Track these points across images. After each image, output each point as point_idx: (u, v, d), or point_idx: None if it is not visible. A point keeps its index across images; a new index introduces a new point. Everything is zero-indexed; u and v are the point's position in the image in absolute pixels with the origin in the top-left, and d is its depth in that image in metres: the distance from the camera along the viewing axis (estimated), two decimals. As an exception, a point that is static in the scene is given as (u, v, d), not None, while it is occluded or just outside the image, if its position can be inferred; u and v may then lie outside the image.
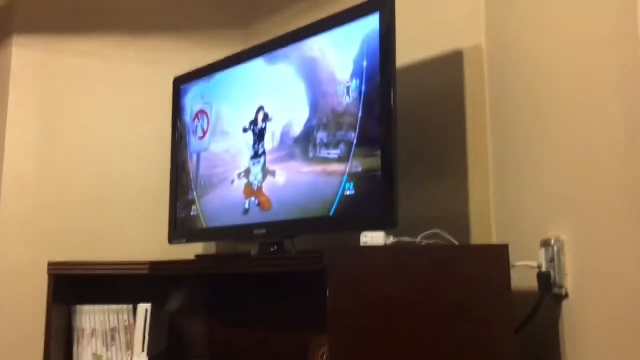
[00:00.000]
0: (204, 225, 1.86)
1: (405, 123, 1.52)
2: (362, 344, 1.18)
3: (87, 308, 1.87)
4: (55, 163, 2.08)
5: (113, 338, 1.87)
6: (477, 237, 1.55)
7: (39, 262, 1.87)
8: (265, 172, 1.69)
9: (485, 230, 1.54)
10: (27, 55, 2.10)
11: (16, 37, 2.10)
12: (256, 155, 1.72)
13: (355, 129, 1.49)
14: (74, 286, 1.86)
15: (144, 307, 1.86)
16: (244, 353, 1.88)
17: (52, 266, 1.81)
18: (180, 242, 1.94)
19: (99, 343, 1.87)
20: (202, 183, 1.89)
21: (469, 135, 1.59)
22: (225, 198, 1.80)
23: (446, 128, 1.64)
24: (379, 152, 1.42)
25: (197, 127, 1.95)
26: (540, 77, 1.36)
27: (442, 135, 1.65)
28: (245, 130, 1.77)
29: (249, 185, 1.74)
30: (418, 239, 1.36)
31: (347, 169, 1.48)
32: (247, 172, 1.75)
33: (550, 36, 1.34)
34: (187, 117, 1.98)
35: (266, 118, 1.71)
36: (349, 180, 1.48)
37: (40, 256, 1.90)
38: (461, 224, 1.57)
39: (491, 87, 1.56)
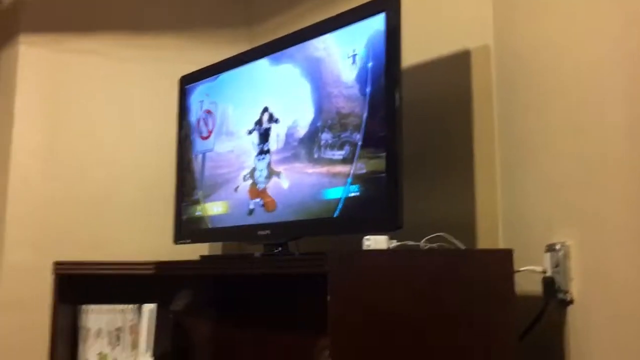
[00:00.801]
0: (209, 226, 1.86)
1: (411, 124, 1.51)
2: (363, 347, 1.17)
3: (92, 307, 1.88)
4: (60, 163, 2.09)
5: (118, 337, 1.88)
6: (483, 241, 1.53)
7: (44, 262, 1.87)
8: (271, 171, 1.68)
9: (491, 234, 1.52)
10: (33, 54, 2.11)
11: (22, 36, 2.11)
12: (261, 152, 1.71)
13: (360, 130, 1.47)
14: (80, 286, 1.86)
15: (148, 307, 1.86)
16: (249, 354, 1.88)
17: (57, 266, 1.82)
18: (184, 243, 1.93)
19: (104, 342, 1.87)
20: (207, 183, 1.88)
21: (475, 137, 1.58)
22: (230, 198, 1.80)
23: (452, 129, 1.63)
24: (383, 154, 1.41)
25: (202, 126, 1.94)
26: (549, 79, 1.34)
27: (448, 136, 1.64)
28: (250, 132, 1.76)
29: (253, 185, 1.73)
30: (422, 243, 1.35)
31: (352, 171, 1.47)
32: (252, 171, 1.74)
33: (558, 37, 1.32)
34: (192, 117, 1.98)
35: (271, 119, 1.71)
36: (353, 182, 1.47)
37: (46, 256, 1.91)
38: (467, 227, 1.55)
39: (499, 88, 1.54)
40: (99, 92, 2.17)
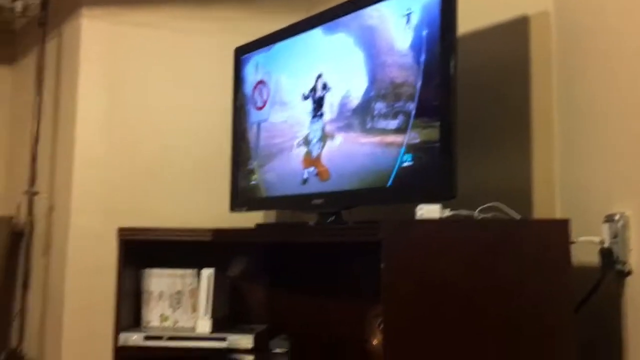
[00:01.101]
0: (264, 195, 1.90)
1: (466, 92, 1.49)
2: (416, 316, 1.18)
3: (154, 272, 1.96)
4: (122, 133, 2.16)
5: (179, 300, 1.95)
6: (540, 210, 1.51)
7: (109, 228, 1.96)
8: (324, 135, 1.69)
9: (548, 203, 1.50)
10: (95, 27, 2.17)
11: (85, 9, 2.17)
12: (315, 116, 1.73)
13: (414, 99, 1.47)
14: (142, 251, 1.94)
15: (207, 272, 1.92)
16: (303, 319, 1.93)
17: (121, 232, 1.89)
18: (240, 210, 1.98)
19: (166, 305, 1.95)
20: (262, 153, 1.92)
21: (533, 105, 1.54)
22: (285, 168, 1.83)
23: (510, 97, 1.60)
24: (437, 123, 1.40)
25: (256, 97, 1.97)
26: (611, 48, 1.30)
27: (505, 105, 1.61)
28: (305, 98, 1.77)
29: (308, 154, 1.75)
30: (476, 212, 1.34)
31: (405, 140, 1.47)
32: (306, 137, 1.76)
33: (623, 3, 1.26)
34: (248, 87, 2.01)
35: (325, 86, 1.71)
36: (406, 152, 1.47)
37: (110, 222, 1.99)
38: (523, 196, 1.53)
39: (558, 55, 1.50)
40: (158, 63, 2.22)
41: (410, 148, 1.46)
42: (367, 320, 1.61)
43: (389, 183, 1.50)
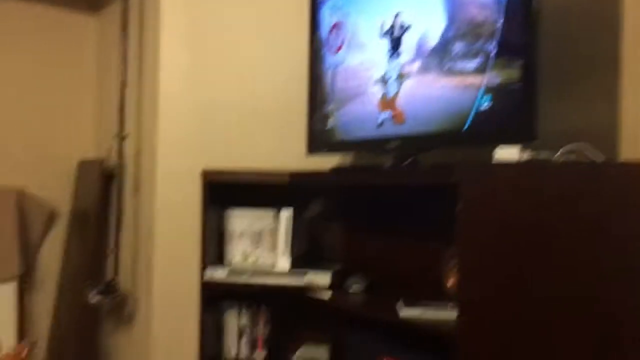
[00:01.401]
0: (339, 138, 1.91)
1: (550, 30, 1.43)
2: (491, 258, 1.19)
3: (236, 212, 2.05)
4: (203, 78, 2.21)
5: (259, 239, 2.04)
6: (627, 150, 1.45)
7: (193, 170, 2.05)
8: (401, 76, 1.68)
9: (635, 143, 1.44)
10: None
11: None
12: (392, 55, 1.71)
13: (494, 38, 1.42)
14: (225, 192, 2.02)
15: (285, 213, 1.99)
16: (378, 260, 1.96)
17: (205, 174, 1.97)
18: (317, 153, 2.02)
19: (247, 243, 2.05)
20: (338, 96, 1.92)
21: (623, 41, 1.46)
22: (360, 111, 1.83)
23: (597, 33, 1.52)
24: (519, 63, 1.37)
25: (332, 40, 1.96)
26: None
27: (592, 40, 1.53)
28: (382, 35, 1.75)
29: (384, 96, 1.74)
30: (557, 154, 1.31)
31: (484, 81, 1.44)
32: (383, 77, 1.74)
33: None
34: (324, 31, 2.00)
35: (403, 26, 1.69)
36: (485, 93, 1.44)
37: (195, 164, 2.08)
38: (609, 137, 1.47)
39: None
40: (237, 10, 2.24)
41: (490, 89, 1.43)
42: (442, 261, 1.63)
43: (467, 125, 1.48)
